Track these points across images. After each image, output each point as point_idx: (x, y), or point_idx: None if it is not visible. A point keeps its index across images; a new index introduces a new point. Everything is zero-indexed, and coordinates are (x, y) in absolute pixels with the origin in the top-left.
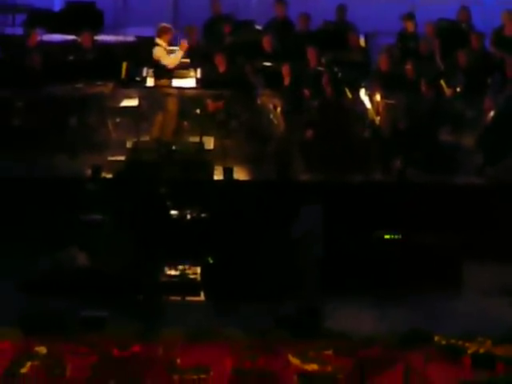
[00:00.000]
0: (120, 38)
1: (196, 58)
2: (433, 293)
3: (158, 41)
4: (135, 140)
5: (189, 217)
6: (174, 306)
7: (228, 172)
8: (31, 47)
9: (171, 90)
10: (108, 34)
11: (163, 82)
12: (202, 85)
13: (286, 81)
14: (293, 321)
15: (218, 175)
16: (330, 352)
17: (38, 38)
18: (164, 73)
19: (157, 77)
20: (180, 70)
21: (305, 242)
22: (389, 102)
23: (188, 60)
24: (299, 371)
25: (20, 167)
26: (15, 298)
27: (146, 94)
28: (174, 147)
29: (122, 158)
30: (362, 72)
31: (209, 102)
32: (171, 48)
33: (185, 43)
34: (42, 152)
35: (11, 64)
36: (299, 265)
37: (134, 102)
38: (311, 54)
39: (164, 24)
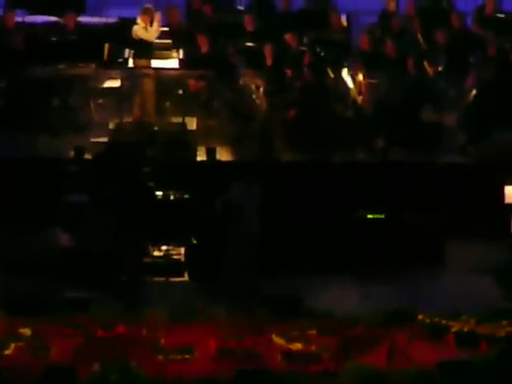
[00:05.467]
0: (102, 20)
1: (178, 38)
2: (417, 271)
3: (138, 20)
4: (118, 121)
5: (172, 197)
6: (158, 287)
7: (211, 152)
8: (9, 28)
9: (153, 71)
10: (90, 15)
11: (145, 62)
12: (185, 65)
13: (269, 61)
14: (276, 300)
15: (200, 156)
16: (313, 331)
17: (21, 19)
18: (146, 53)
19: (138, 57)
20: (162, 51)
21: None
22: (371, 81)
23: (170, 41)
24: (283, 350)
25: (2, 148)
26: None
27: (128, 75)
28: (156, 128)
29: (105, 139)
30: (344, 51)
31: (191, 82)
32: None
33: (158, 14)
34: (24, 133)
35: None
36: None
37: (116, 83)
38: (290, 39)
39: (146, 5)
